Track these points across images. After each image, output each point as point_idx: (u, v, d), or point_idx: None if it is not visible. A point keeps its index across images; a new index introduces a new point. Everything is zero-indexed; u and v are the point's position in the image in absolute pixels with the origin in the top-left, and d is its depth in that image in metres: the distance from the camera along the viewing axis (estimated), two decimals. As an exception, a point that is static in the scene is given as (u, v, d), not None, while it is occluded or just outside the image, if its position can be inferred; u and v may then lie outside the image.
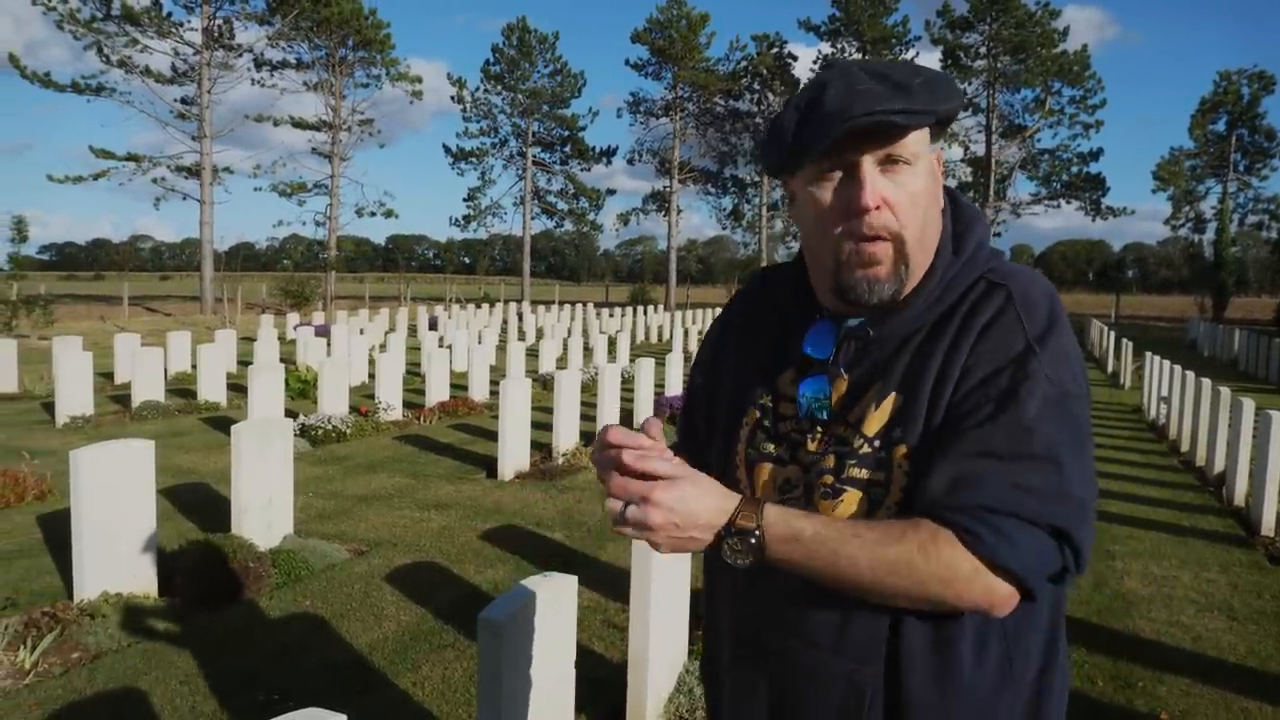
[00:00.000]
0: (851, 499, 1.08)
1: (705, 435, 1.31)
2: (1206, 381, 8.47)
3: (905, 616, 1.05)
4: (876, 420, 1.08)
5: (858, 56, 42.46)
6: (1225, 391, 7.77)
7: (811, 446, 1.13)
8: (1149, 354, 12.22)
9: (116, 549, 4.30)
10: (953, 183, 44.52)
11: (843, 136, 1.03)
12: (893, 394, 1.08)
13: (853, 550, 0.97)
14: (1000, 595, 0.98)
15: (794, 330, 1.20)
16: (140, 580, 4.37)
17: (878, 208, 1.05)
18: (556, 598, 2.48)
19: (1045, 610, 1.11)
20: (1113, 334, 19.00)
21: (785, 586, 1.08)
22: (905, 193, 1.07)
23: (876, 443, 1.08)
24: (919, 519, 0.99)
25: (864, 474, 1.08)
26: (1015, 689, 1.09)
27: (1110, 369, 17.78)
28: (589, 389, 11.18)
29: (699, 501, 1.00)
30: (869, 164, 1.06)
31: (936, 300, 1.11)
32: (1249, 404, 6.97)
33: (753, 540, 0.99)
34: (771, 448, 1.17)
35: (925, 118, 1.05)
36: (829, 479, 1.10)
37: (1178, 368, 9.98)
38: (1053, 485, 0.97)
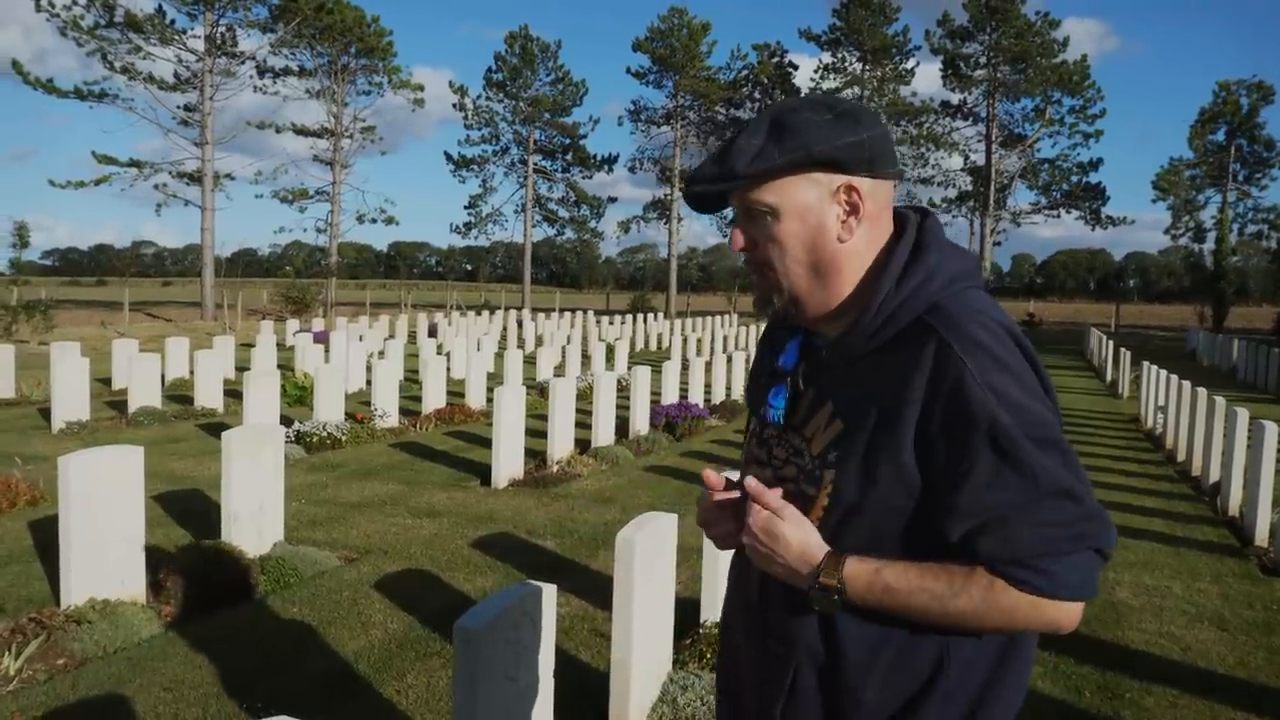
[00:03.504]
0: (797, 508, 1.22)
1: None
2: (1202, 391, 8.47)
3: (844, 624, 1.18)
4: (821, 441, 1.20)
5: (857, 66, 42.57)
6: (1220, 401, 7.76)
7: (777, 452, 1.28)
8: (1146, 363, 12.22)
9: (104, 555, 4.29)
10: (953, 192, 44.67)
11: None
12: (838, 420, 1.19)
13: (922, 602, 1.11)
14: (1064, 615, 1.11)
15: (783, 346, 1.35)
16: (128, 586, 4.37)
17: (743, 249, 1.24)
18: (535, 606, 2.47)
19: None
20: (1111, 343, 18.99)
21: (777, 598, 1.24)
22: (766, 236, 1.21)
23: (817, 461, 1.20)
24: (975, 568, 1.10)
25: (805, 488, 1.22)
26: (949, 678, 1.16)
27: (1109, 378, 17.77)
28: (585, 396, 11.18)
29: (790, 538, 1.16)
30: (738, 214, 1.24)
31: (878, 330, 1.17)
32: (1243, 414, 6.97)
33: (835, 596, 1.14)
34: (758, 452, 1.33)
35: (724, 186, 1.19)
36: (790, 486, 1.24)
37: (1174, 377, 9.97)
38: (1071, 514, 1.08)
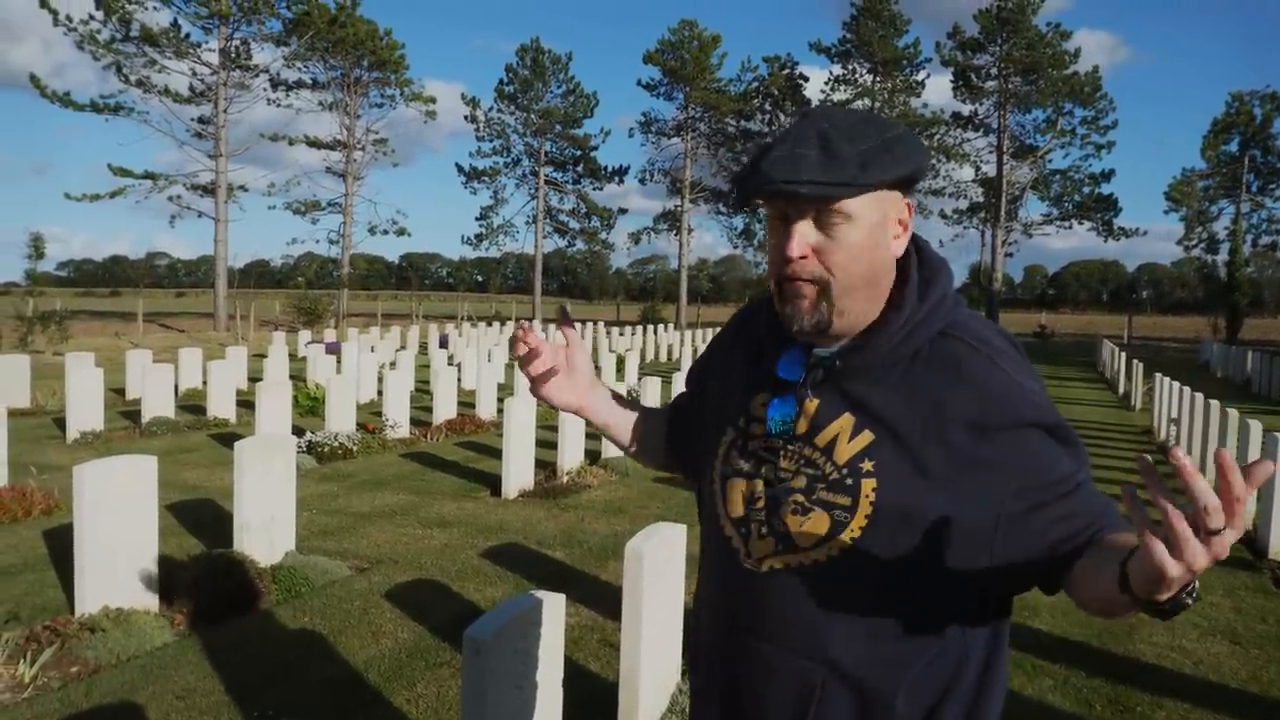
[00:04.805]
0: (819, 519, 1.17)
1: (690, 432, 1.47)
2: (1215, 403, 8.42)
3: (880, 630, 1.16)
4: (848, 451, 1.17)
5: (867, 78, 42.61)
6: (1233, 413, 7.72)
7: (783, 464, 1.21)
8: (1159, 375, 12.16)
9: (117, 564, 4.33)
10: (964, 204, 44.66)
11: (767, 196, 1.13)
12: (866, 430, 1.17)
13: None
14: None
15: (768, 355, 1.28)
16: (141, 595, 4.40)
17: (803, 257, 1.15)
18: (544, 616, 2.49)
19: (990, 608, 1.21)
20: (1124, 355, 18.89)
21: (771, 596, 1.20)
22: (838, 244, 1.14)
23: (845, 470, 1.17)
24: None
25: (832, 498, 1.17)
26: (962, 682, 1.18)
27: (1121, 390, 17.67)
28: (596, 407, 11.18)
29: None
30: (800, 219, 1.15)
31: (901, 342, 1.18)
32: (1256, 425, 6.93)
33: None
34: (743, 464, 1.26)
35: (843, 190, 1.10)
36: (800, 498, 1.19)
37: (1187, 389, 9.92)
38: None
